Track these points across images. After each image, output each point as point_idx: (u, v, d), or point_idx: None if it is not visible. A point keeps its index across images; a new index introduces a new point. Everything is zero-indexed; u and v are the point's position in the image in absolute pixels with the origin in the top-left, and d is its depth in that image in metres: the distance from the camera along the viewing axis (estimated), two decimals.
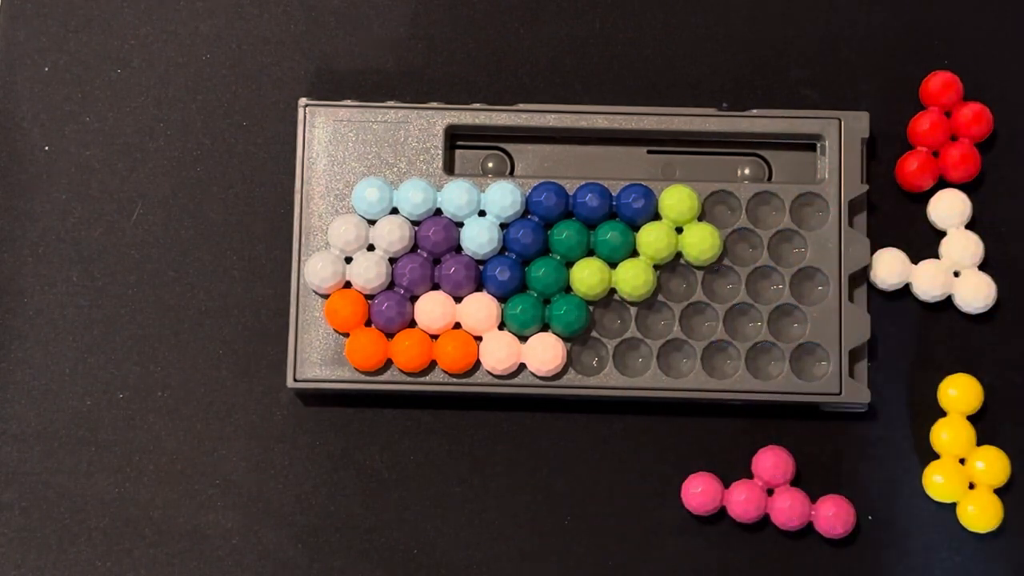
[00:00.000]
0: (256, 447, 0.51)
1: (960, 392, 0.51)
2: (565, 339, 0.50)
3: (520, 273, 0.50)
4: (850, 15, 0.54)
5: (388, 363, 0.50)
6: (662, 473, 0.51)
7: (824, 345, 0.50)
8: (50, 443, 0.51)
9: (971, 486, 0.50)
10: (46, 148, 0.53)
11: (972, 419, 0.51)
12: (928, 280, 0.51)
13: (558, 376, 0.50)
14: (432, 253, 0.50)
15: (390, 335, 0.50)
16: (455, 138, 0.52)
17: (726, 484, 0.50)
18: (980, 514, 0.50)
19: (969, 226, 0.52)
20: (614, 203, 0.50)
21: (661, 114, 0.51)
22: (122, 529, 0.51)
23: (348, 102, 0.51)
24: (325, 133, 0.51)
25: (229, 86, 0.53)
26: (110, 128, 0.53)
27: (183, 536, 0.51)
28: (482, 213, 0.50)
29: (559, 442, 0.51)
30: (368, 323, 0.50)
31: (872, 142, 0.52)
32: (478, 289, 0.50)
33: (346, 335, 0.50)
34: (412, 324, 0.50)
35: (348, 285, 0.50)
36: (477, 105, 0.51)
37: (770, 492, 0.50)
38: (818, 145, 0.51)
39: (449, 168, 0.51)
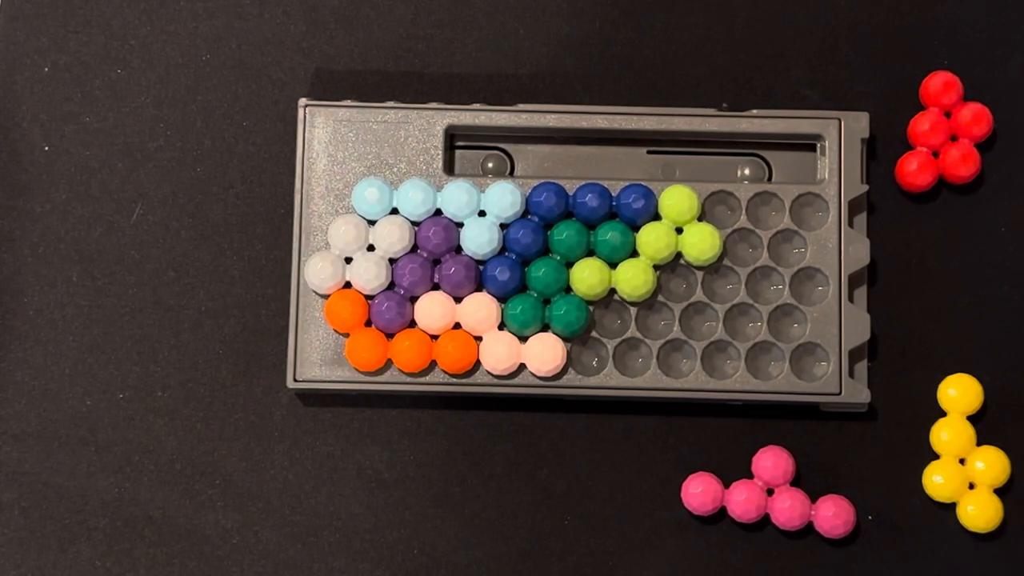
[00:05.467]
0: (256, 447, 0.51)
1: (960, 392, 0.51)
2: (565, 339, 0.50)
3: (520, 273, 0.50)
4: (850, 15, 0.54)
5: (388, 363, 0.50)
6: (662, 473, 0.51)
7: (824, 345, 0.50)
8: (50, 443, 0.51)
9: (971, 486, 0.50)
10: (46, 148, 0.53)
11: (972, 419, 0.51)
12: None
13: (558, 376, 0.50)
14: (432, 253, 0.50)
15: (390, 335, 0.50)
16: (455, 138, 0.52)
17: (726, 484, 0.50)
18: (980, 514, 0.50)
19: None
20: (614, 203, 0.50)
21: (661, 114, 0.51)
22: (122, 529, 0.51)
23: (348, 102, 0.51)
24: (325, 133, 0.51)
25: (229, 86, 0.53)
26: (110, 128, 0.53)
27: (183, 536, 0.51)
28: (482, 213, 0.50)
29: (559, 442, 0.51)
30: (368, 323, 0.50)
31: (872, 142, 0.52)
32: (478, 289, 0.50)
33: (346, 335, 0.50)
34: (412, 324, 0.50)
35: (348, 285, 0.50)
36: (477, 105, 0.51)
37: (770, 492, 0.50)
38: (818, 145, 0.51)
39: (449, 168, 0.51)
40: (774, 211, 0.51)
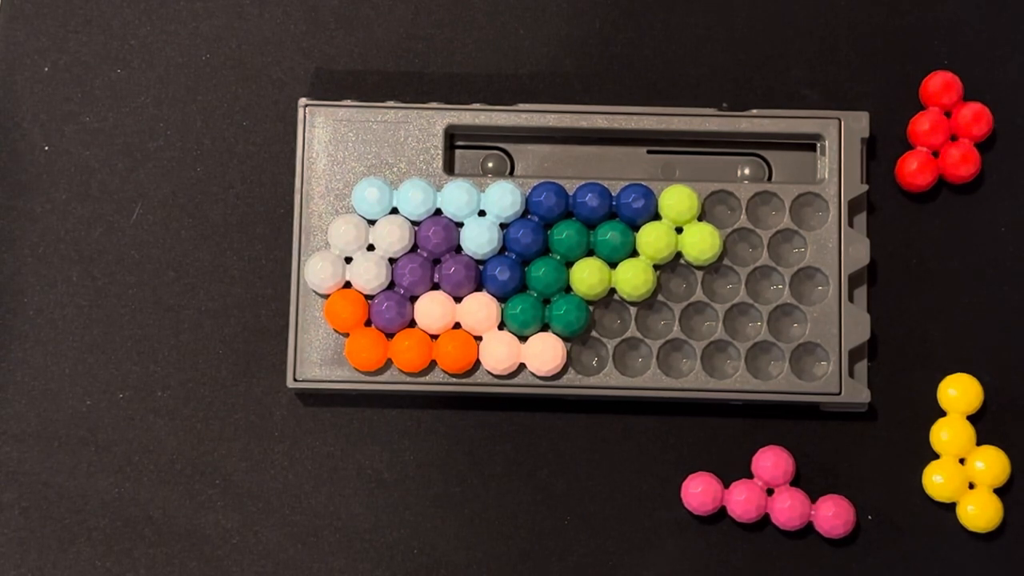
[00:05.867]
0: (256, 447, 0.51)
1: (960, 392, 0.51)
2: (565, 339, 0.50)
3: (520, 273, 0.50)
4: (850, 15, 0.54)
5: (388, 363, 0.50)
6: (662, 473, 0.51)
7: (824, 345, 0.50)
8: (50, 443, 0.51)
9: (971, 486, 0.50)
10: (46, 148, 0.53)
11: (972, 419, 0.51)
12: None
13: (558, 376, 0.50)
14: (432, 253, 0.50)
15: (390, 335, 0.50)
16: (455, 138, 0.52)
17: (726, 484, 0.50)
18: (980, 514, 0.50)
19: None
20: (614, 203, 0.50)
21: (661, 114, 0.51)
22: (122, 529, 0.51)
23: (348, 102, 0.51)
24: (325, 133, 0.51)
25: (229, 86, 0.53)
26: (110, 128, 0.53)
27: (183, 536, 0.51)
28: (482, 213, 0.50)
29: (559, 442, 0.51)
30: (368, 323, 0.50)
31: (872, 142, 0.52)
32: (478, 289, 0.50)
33: (346, 335, 0.50)
34: (412, 324, 0.50)
35: (348, 285, 0.50)
36: (477, 105, 0.51)
37: (770, 492, 0.50)
38: (818, 145, 0.51)
39: (449, 168, 0.51)
40: (774, 211, 0.51)
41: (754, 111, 0.51)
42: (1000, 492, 0.50)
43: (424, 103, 0.51)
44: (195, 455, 0.51)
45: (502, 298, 0.50)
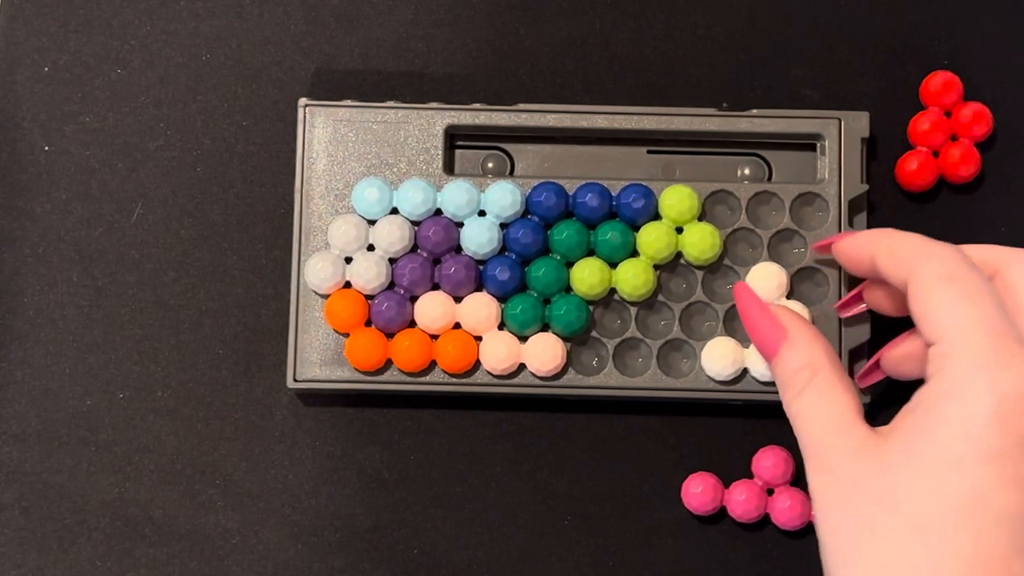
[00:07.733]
0: (256, 447, 0.51)
1: None
2: (565, 339, 0.50)
3: (520, 273, 0.50)
4: (850, 15, 0.54)
5: (388, 363, 0.50)
6: (662, 473, 0.51)
7: None
8: (50, 443, 0.51)
9: None
10: (46, 148, 0.53)
11: None
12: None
13: (558, 376, 0.50)
14: (432, 253, 0.50)
15: (390, 335, 0.50)
16: (455, 138, 0.52)
17: (726, 484, 0.50)
18: None
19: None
20: (614, 203, 0.50)
21: (661, 114, 0.51)
22: (122, 529, 0.51)
23: (348, 102, 0.51)
24: (325, 133, 0.51)
25: (229, 86, 0.53)
26: (110, 128, 0.53)
27: (183, 536, 0.51)
28: (482, 213, 0.50)
29: (559, 442, 0.51)
30: (368, 323, 0.50)
31: (872, 142, 0.52)
32: (478, 289, 0.50)
33: (346, 335, 0.50)
34: (412, 324, 0.50)
35: (348, 285, 0.50)
36: (477, 105, 0.51)
37: (770, 492, 0.50)
38: (818, 145, 0.51)
39: (449, 168, 0.51)
40: (774, 211, 0.51)
41: (754, 111, 0.51)
42: None
43: (424, 103, 0.51)
44: (195, 455, 0.51)
45: (502, 298, 0.50)
